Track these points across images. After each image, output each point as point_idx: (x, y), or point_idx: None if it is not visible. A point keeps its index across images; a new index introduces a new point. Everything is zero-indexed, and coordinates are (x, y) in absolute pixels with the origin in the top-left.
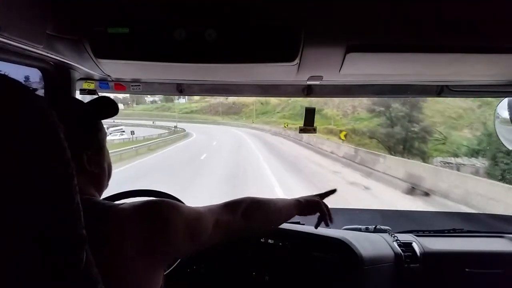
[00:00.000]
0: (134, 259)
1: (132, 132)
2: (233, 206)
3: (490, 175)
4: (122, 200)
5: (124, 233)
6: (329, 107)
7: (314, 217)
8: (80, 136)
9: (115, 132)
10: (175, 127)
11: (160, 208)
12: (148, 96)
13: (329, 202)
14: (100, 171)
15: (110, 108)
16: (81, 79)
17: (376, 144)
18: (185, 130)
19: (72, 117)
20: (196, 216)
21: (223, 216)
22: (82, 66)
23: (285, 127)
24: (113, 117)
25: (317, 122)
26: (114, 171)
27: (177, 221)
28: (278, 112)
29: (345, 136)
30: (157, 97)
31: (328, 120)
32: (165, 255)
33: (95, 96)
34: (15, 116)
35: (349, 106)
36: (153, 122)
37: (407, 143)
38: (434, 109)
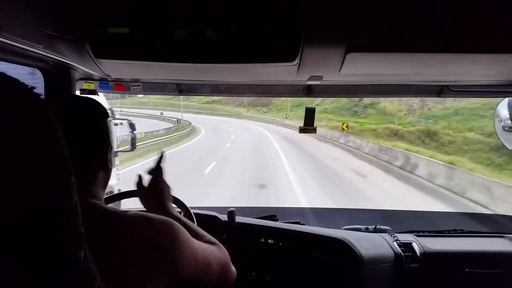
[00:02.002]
0: (136, 268)
1: None
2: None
3: None
4: (123, 199)
5: (129, 242)
6: (388, 100)
7: (314, 217)
8: (106, 135)
9: None
10: (178, 121)
11: (173, 230)
12: None
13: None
14: (111, 169)
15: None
16: (81, 79)
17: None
18: (190, 124)
19: (101, 117)
20: (204, 259)
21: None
22: (82, 66)
23: (344, 129)
24: (127, 105)
25: (374, 119)
26: None
27: (185, 252)
28: (317, 105)
29: None
30: None
31: (387, 116)
32: (169, 271)
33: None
34: (12, 113)
35: (416, 99)
36: (160, 114)
37: None
38: None
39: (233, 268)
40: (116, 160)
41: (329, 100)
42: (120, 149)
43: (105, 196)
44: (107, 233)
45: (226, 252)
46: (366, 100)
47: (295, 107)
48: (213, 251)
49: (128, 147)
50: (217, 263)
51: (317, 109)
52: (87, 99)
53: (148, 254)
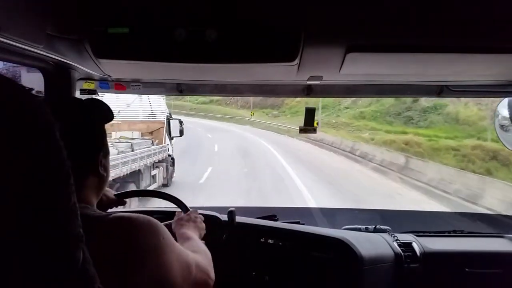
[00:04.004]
0: (120, 273)
1: None
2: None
3: None
4: (137, 197)
5: (111, 246)
6: (461, 102)
7: (314, 217)
8: (96, 139)
9: None
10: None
11: (154, 228)
12: None
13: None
14: (106, 174)
15: (109, 112)
16: (81, 79)
17: None
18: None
19: (90, 120)
20: (188, 263)
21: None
22: (82, 66)
23: None
24: None
25: (443, 129)
26: None
27: (168, 253)
28: (347, 108)
29: None
30: None
31: (463, 126)
32: (152, 274)
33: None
34: (11, 114)
35: (499, 101)
36: None
37: None
38: None
39: (213, 275)
40: (172, 142)
41: (365, 101)
42: (173, 135)
43: (119, 192)
44: (91, 237)
45: (210, 259)
46: (425, 102)
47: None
48: (195, 257)
49: (178, 135)
50: (197, 267)
51: (350, 113)
52: (82, 101)
53: (132, 255)
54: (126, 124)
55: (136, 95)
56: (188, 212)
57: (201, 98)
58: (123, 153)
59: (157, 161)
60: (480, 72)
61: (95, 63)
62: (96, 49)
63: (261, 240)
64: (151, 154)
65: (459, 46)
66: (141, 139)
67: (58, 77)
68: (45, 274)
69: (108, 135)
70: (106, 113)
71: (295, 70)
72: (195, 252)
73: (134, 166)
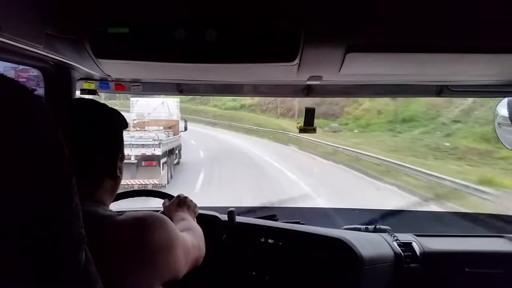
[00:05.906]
0: (133, 271)
1: None
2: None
3: None
4: (120, 199)
5: (124, 245)
6: None
7: (314, 217)
8: (117, 144)
9: None
10: None
11: (166, 224)
12: None
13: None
14: (121, 177)
15: (126, 121)
16: (81, 79)
17: None
18: None
19: (114, 127)
20: (188, 246)
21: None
22: (82, 66)
23: None
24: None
25: None
26: None
27: (179, 245)
28: (456, 122)
29: None
30: None
31: None
32: (165, 269)
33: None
34: (12, 116)
35: None
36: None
37: None
38: None
39: (203, 249)
40: (184, 131)
41: (481, 102)
42: (180, 130)
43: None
44: (101, 237)
45: (201, 233)
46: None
47: (386, 123)
48: (190, 237)
49: (184, 130)
50: (192, 246)
51: (470, 131)
52: (104, 107)
53: (143, 254)
54: (153, 122)
55: (160, 102)
56: (175, 196)
57: (231, 103)
58: (167, 137)
59: (176, 145)
60: (480, 72)
61: (95, 63)
62: (96, 49)
63: (261, 240)
64: (175, 140)
65: (459, 46)
66: (166, 131)
67: (58, 77)
68: (46, 275)
69: (142, 128)
70: (125, 122)
71: (295, 70)
72: (187, 229)
73: (173, 145)
